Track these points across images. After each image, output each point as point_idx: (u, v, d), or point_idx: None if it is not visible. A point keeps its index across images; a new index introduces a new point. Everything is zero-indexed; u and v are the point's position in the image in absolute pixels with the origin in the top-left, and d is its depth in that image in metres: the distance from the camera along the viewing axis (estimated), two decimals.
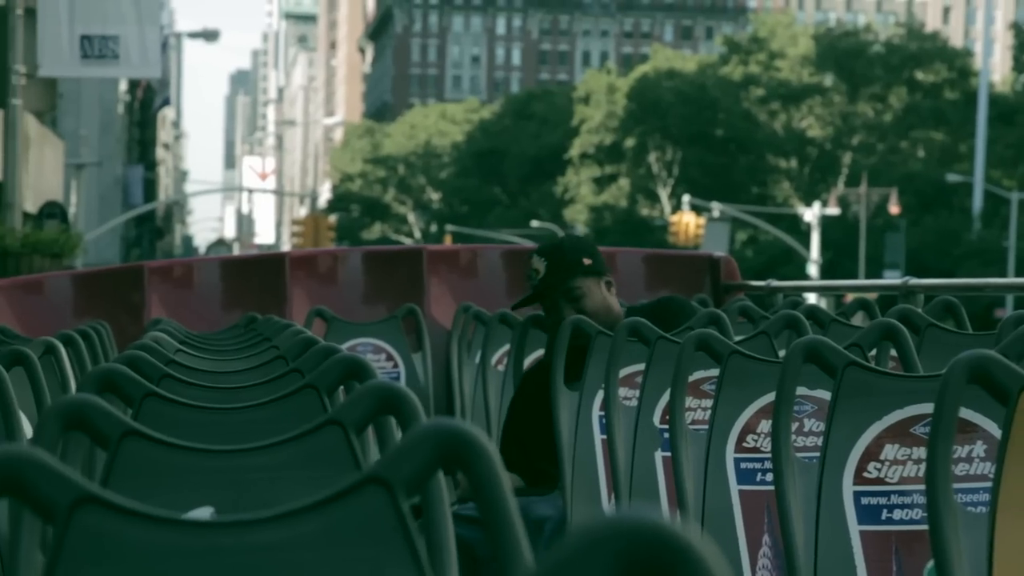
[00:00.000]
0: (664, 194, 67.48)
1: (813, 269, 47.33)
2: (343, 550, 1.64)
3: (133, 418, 2.64)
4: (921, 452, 2.58)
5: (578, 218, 69.35)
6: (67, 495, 1.60)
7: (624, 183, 69.08)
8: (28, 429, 3.52)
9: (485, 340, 5.88)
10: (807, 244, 50.55)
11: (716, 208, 49.97)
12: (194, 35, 35.94)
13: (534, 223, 66.03)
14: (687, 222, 45.69)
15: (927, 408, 2.39)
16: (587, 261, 4.69)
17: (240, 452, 2.23)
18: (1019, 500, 2.08)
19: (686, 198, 50.20)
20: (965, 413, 2.46)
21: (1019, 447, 2.09)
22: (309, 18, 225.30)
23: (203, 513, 2.19)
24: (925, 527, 2.19)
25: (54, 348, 4.21)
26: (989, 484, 2.15)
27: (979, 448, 2.51)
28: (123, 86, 58.34)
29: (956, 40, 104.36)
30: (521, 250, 7.99)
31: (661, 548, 0.88)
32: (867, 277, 48.52)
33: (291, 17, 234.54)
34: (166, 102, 43.93)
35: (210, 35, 34.56)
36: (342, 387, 2.98)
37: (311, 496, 1.67)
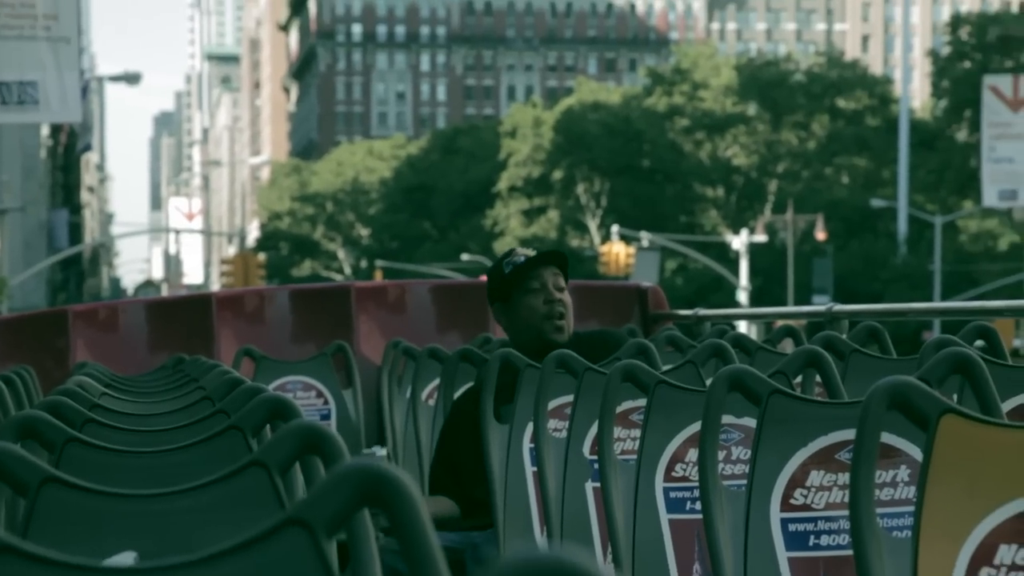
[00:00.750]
0: (593, 225, 67.76)
1: (743, 296, 47.65)
2: None
3: (54, 465, 2.60)
4: (846, 478, 2.60)
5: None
6: None
7: (553, 215, 69.30)
8: None
9: (415, 375, 5.87)
10: (736, 271, 50.90)
11: (645, 238, 50.21)
12: (116, 78, 35.74)
13: (464, 257, 66.08)
14: (617, 252, 45.88)
15: (851, 434, 2.41)
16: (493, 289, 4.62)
17: (163, 496, 2.21)
18: (941, 524, 2.09)
19: (615, 228, 50.43)
20: (888, 438, 2.48)
21: (940, 472, 2.11)
22: (232, 59, 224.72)
23: (125, 559, 2.16)
24: (851, 552, 2.20)
25: None
26: (912, 508, 2.16)
27: (903, 472, 2.52)
28: (45, 130, 57.91)
29: (876, 68, 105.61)
30: (449, 285, 7.99)
31: None
32: (796, 303, 48.89)
33: (213, 58, 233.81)
34: (88, 147, 43.65)
35: (132, 78, 34.38)
36: (268, 427, 2.96)
37: (233, 538, 1.65)
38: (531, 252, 4.66)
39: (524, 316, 4.65)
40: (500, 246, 69.73)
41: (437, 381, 5.58)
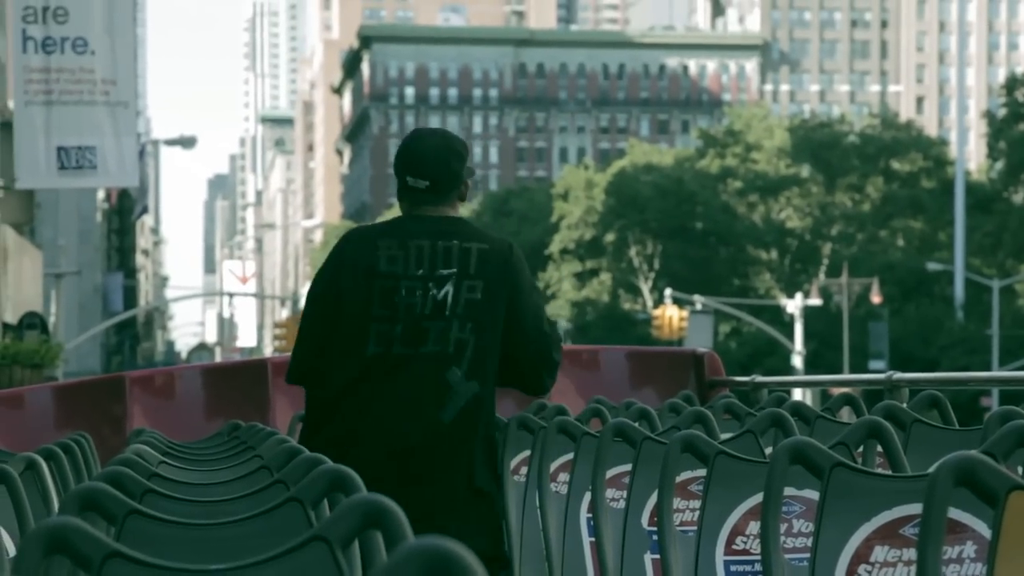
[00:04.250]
0: (646, 288, 67.68)
1: (797, 360, 47.38)
2: None
3: (116, 537, 2.61)
4: (911, 553, 2.56)
5: (560, 313, 69.45)
6: None
7: (605, 277, 69.29)
8: (11, 547, 3.49)
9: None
10: (790, 335, 50.66)
11: (698, 301, 50.10)
12: (171, 142, 36.11)
13: None
14: (670, 316, 45.77)
15: (916, 508, 2.38)
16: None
17: (226, 571, 2.21)
18: None
19: (668, 291, 50.35)
20: (955, 513, 2.45)
21: (1009, 548, 2.08)
22: (286, 121, 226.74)
23: None
24: None
25: (35, 464, 4.17)
26: None
27: (969, 548, 2.49)
28: (101, 194, 58.54)
29: (931, 129, 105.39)
30: None
31: None
32: (851, 367, 48.57)
33: (267, 121, 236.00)
34: (144, 211, 44.08)
35: (187, 142, 34.73)
36: (327, 499, 2.95)
37: None
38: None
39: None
40: (552, 309, 69.76)
41: (527, 452, 5.54)
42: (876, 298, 51.78)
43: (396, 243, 4.56)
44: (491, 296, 4.53)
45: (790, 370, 46.37)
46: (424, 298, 4.51)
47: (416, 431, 4.51)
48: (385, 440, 4.51)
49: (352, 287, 4.54)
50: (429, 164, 4.62)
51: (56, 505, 4.18)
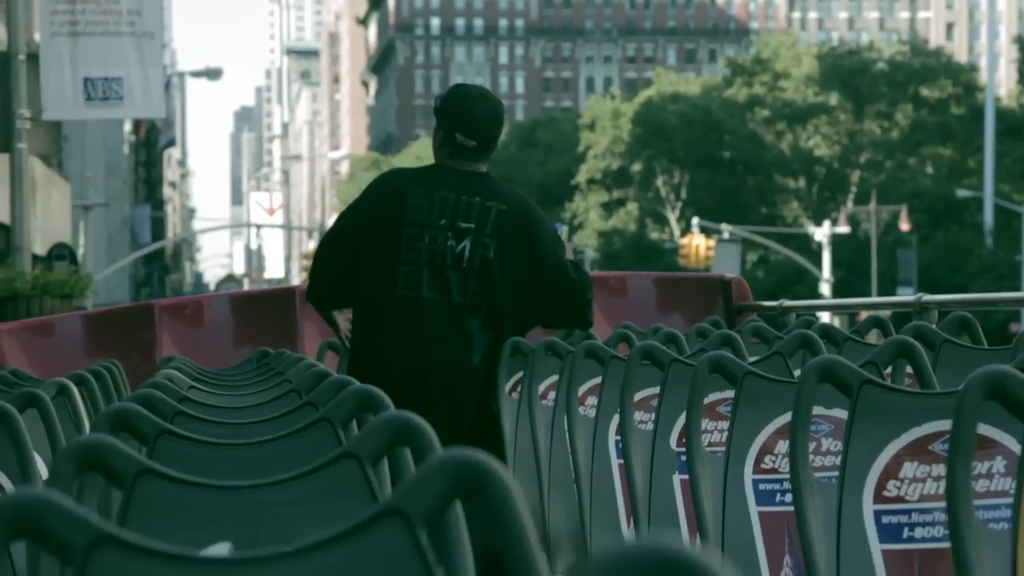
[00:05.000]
0: (673, 217, 67.50)
1: (825, 288, 47.26)
2: None
3: (148, 456, 2.63)
4: (940, 469, 2.56)
5: (588, 243, 69.38)
6: (84, 536, 1.58)
7: (632, 207, 69.11)
8: (43, 470, 3.52)
9: (499, 368, 5.86)
10: (818, 263, 50.51)
11: (726, 230, 49.96)
12: (197, 74, 36.06)
13: None
14: (697, 244, 45.68)
15: (945, 425, 2.38)
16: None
17: (256, 487, 2.22)
18: None
19: (695, 220, 50.21)
20: (983, 429, 2.45)
21: None
22: (311, 53, 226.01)
23: (220, 549, 2.18)
24: (947, 545, 2.17)
25: (67, 389, 4.20)
26: (1010, 500, 2.13)
27: (999, 464, 2.49)
28: (128, 126, 58.55)
29: (960, 55, 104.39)
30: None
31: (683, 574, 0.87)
32: (879, 294, 48.47)
33: (293, 53, 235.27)
34: (171, 143, 44.11)
35: (213, 73, 34.67)
36: (355, 419, 2.97)
37: (328, 530, 1.66)
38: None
39: None
40: (580, 239, 69.68)
41: (521, 374, 5.58)
42: (905, 225, 51.55)
43: (423, 192, 4.92)
44: (504, 256, 4.90)
45: (818, 298, 46.29)
46: (445, 247, 4.88)
47: (444, 365, 4.90)
48: (416, 369, 4.87)
49: (382, 229, 4.90)
50: (482, 127, 5.02)
51: (87, 429, 4.21)
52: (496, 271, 4.90)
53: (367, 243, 4.94)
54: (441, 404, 4.88)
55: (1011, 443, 2.46)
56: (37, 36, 14.78)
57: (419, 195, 4.92)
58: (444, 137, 5.04)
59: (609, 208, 69.95)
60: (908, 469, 2.62)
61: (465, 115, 5.02)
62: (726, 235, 49.95)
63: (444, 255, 4.90)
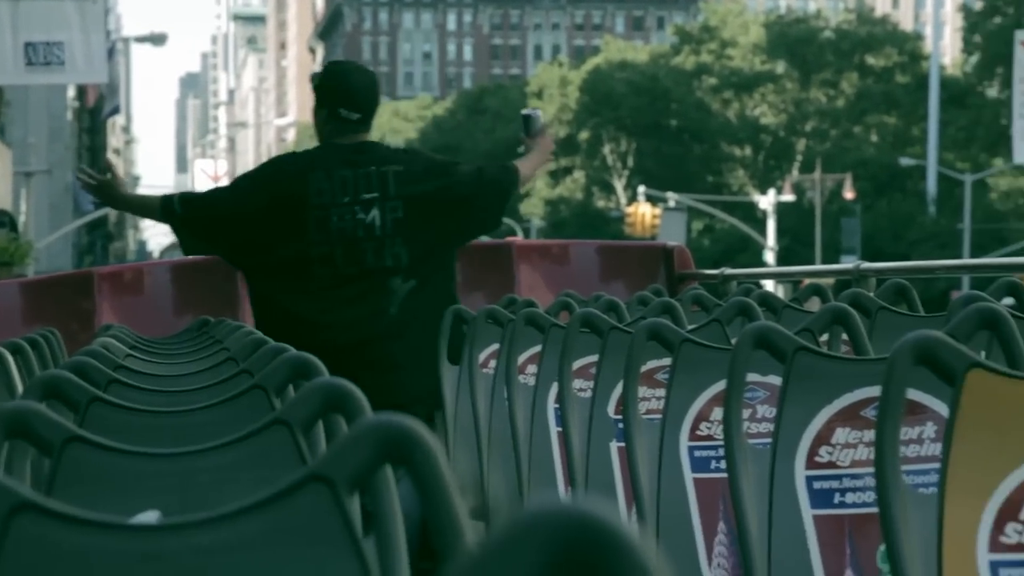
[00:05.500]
0: (619, 185, 67.62)
1: (769, 256, 47.53)
2: (287, 550, 1.62)
3: (79, 424, 2.61)
4: (872, 435, 2.58)
5: (534, 211, 69.40)
6: (3, 502, 1.57)
7: (579, 175, 69.18)
8: None
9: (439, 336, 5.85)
10: (763, 231, 50.76)
11: (672, 198, 50.10)
12: (141, 39, 35.76)
13: None
14: (643, 213, 45.79)
15: (877, 391, 2.39)
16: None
17: (185, 455, 2.21)
18: (966, 480, 2.08)
19: (641, 189, 50.31)
20: (914, 395, 2.46)
21: (966, 428, 2.10)
22: (258, 19, 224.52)
23: (149, 517, 2.16)
24: (877, 509, 2.19)
25: (1, 357, 4.16)
26: (939, 465, 2.15)
27: (929, 429, 2.51)
28: (71, 92, 57.99)
29: (906, 24, 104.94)
30: (474, 246, 7.96)
31: (592, 536, 0.87)
32: (824, 263, 48.74)
33: (239, 19, 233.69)
34: (116, 110, 43.69)
35: (157, 39, 34.38)
36: (292, 387, 2.95)
37: (254, 496, 1.65)
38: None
39: None
40: (526, 207, 69.72)
41: (496, 346, 5.56)
42: (849, 194, 51.86)
43: (324, 174, 5.15)
44: (412, 210, 5.15)
45: (763, 266, 46.51)
46: (353, 222, 5.11)
47: (367, 324, 5.12)
48: (343, 336, 5.11)
49: (287, 216, 5.14)
50: (363, 99, 5.25)
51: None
52: (408, 228, 5.16)
53: (272, 231, 5.19)
54: (371, 368, 5.05)
55: (941, 408, 2.48)
56: None
57: (320, 178, 5.14)
58: (328, 115, 5.27)
59: (556, 176, 69.97)
60: (840, 435, 2.64)
61: (346, 90, 5.25)
62: (672, 203, 50.09)
63: (355, 229, 5.13)
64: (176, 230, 5.52)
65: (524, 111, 5.87)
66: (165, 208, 5.46)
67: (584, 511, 0.89)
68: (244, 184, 5.39)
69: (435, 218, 5.24)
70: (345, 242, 5.14)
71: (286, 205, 5.16)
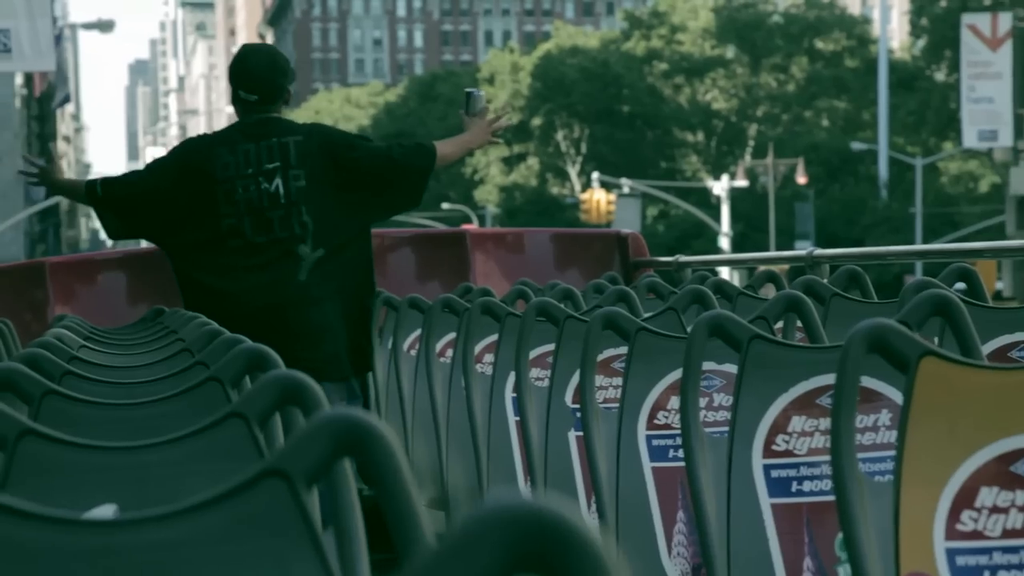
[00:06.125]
0: (573, 172, 67.67)
1: (724, 242, 47.68)
2: (244, 544, 1.62)
3: (32, 417, 2.59)
4: (828, 423, 2.59)
5: (488, 198, 69.36)
6: None
7: (533, 162, 69.17)
8: None
9: (396, 326, 5.85)
10: (718, 217, 50.93)
11: (626, 184, 50.19)
12: (88, 26, 35.49)
13: (445, 205, 65.98)
14: (598, 199, 45.85)
15: (832, 379, 2.40)
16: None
17: (141, 448, 2.20)
18: (922, 467, 2.09)
19: (595, 175, 50.35)
20: (869, 383, 2.48)
21: (920, 415, 2.11)
22: (206, 5, 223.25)
23: (106, 511, 2.15)
24: (835, 498, 2.20)
25: None
26: (894, 452, 2.16)
27: (884, 417, 2.52)
28: (19, 80, 57.49)
29: (854, 8, 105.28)
30: (428, 234, 7.96)
31: (550, 533, 0.87)
32: (778, 248, 48.96)
33: (188, 5, 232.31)
34: (67, 99, 43.30)
35: (105, 26, 34.13)
36: (248, 379, 2.94)
37: (210, 490, 1.64)
38: None
39: None
40: (480, 194, 69.66)
41: (419, 332, 5.57)
42: (801, 179, 52.08)
43: (227, 150, 5.38)
44: (315, 179, 5.33)
45: (717, 252, 46.68)
46: (259, 192, 5.32)
47: (278, 290, 5.33)
48: (254, 301, 5.33)
49: (196, 192, 5.36)
50: (258, 80, 5.47)
51: None
52: (311, 196, 5.34)
53: (185, 207, 5.41)
54: (283, 332, 5.22)
55: (896, 396, 2.49)
56: None
57: (223, 153, 5.37)
58: (233, 96, 5.56)
59: (510, 163, 69.95)
60: (796, 423, 2.65)
61: (242, 72, 5.49)
62: (626, 190, 50.18)
63: (260, 199, 5.33)
64: (99, 213, 5.69)
65: (468, 89, 5.96)
66: (89, 191, 5.65)
67: (541, 507, 0.89)
68: (157, 164, 5.60)
69: (339, 190, 5.41)
70: (252, 212, 5.33)
71: (195, 180, 5.37)
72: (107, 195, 5.59)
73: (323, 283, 5.39)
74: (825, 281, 4.35)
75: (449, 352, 5.04)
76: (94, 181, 5.69)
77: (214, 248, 5.39)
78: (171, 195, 5.43)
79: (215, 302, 5.28)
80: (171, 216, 5.47)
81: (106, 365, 3.65)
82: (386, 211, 5.68)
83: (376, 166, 5.42)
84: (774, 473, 2.67)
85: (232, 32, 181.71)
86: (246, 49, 5.68)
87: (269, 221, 5.33)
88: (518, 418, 4.10)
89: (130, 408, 2.75)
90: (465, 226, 8.16)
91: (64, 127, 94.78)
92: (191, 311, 5.18)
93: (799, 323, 3.48)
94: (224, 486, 1.60)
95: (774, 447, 2.67)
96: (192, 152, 5.48)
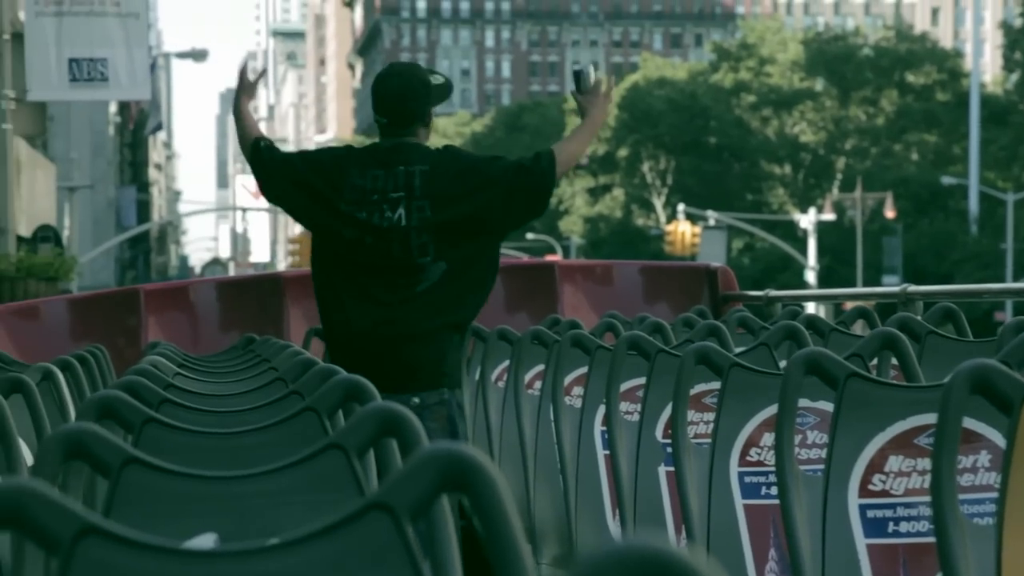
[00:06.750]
0: (659, 203, 67.52)
1: (810, 276, 47.32)
2: None
3: (133, 445, 2.62)
4: (926, 463, 2.57)
5: (573, 229, 69.36)
6: (70, 527, 1.58)
7: (618, 193, 69.12)
8: (28, 456, 3.51)
9: (484, 357, 5.87)
10: (804, 250, 50.58)
11: (711, 216, 50.00)
12: (182, 55, 35.92)
13: (529, 235, 66.07)
14: (683, 231, 45.70)
15: (930, 418, 2.38)
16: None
17: (241, 478, 2.22)
18: None
19: (681, 207, 50.21)
20: (969, 423, 2.45)
21: (1023, 456, 2.08)
22: (297, 35, 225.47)
23: (206, 540, 2.18)
24: (932, 539, 2.18)
25: (52, 374, 4.20)
26: (995, 494, 2.14)
27: (984, 458, 2.49)
28: (113, 108, 58.35)
29: (946, 41, 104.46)
30: (516, 265, 7.99)
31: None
32: (864, 282, 48.55)
33: (279, 34, 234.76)
34: (159, 127, 43.86)
35: (199, 55, 34.54)
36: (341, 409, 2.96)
37: (314, 522, 1.66)
38: (441, 78, 5.53)
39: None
40: (565, 225, 69.68)
41: (507, 363, 5.58)
42: (890, 213, 51.60)
43: (358, 172, 5.38)
44: (439, 210, 5.29)
45: (803, 286, 46.35)
46: (382, 218, 5.30)
47: (395, 314, 5.27)
48: (369, 326, 5.27)
49: (322, 205, 5.35)
50: (386, 104, 5.42)
51: (72, 415, 4.20)
52: (435, 226, 5.30)
53: (308, 216, 5.43)
54: (394, 359, 5.18)
55: (996, 437, 2.46)
56: (22, 15, 14.71)
57: (354, 174, 5.35)
58: (374, 118, 5.54)
59: (595, 194, 69.93)
60: (893, 463, 2.63)
61: (374, 94, 5.47)
62: (712, 222, 49.99)
63: (383, 224, 5.30)
64: (256, 170, 5.64)
65: (575, 66, 5.79)
66: (255, 145, 5.59)
67: (663, 552, 0.89)
68: (304, 158, 5.59)
69: (465, 215, 5.33)
70: (376, 236, 5.33)
71: (324, 192, 5.38)
72: (268, 156, 5.56)
73: (439, 311, 5.39)
74: (920, 318, 4.31)
75: (537, 384, 5.05)
76: (259, 140, 5.63)
77: (334, 267, 5.38)
78: (305, 192, 5.45)
79: (333, 319, 5.29)
80: (300, 213, 5.53)
81: (201, 393, 3.69)
82: (513, 224, 5.62)
83: (502, 187, 5.32)
84: (870, 513, 2.65)
85: (322, 62, 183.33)
86: (383, 71, 5.64)
87: (389, 245, 5.31)
88: (607, 451, 4.09)
89: (227, 437, 2.78)
90: (549, 257, 8.15)
91: (156, 154, 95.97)
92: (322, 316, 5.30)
93: (894, 361, 3.45)
94: (329, 518, 1.62)
95: (870, 487, 2.64)
96: (331, 163, 5.47)
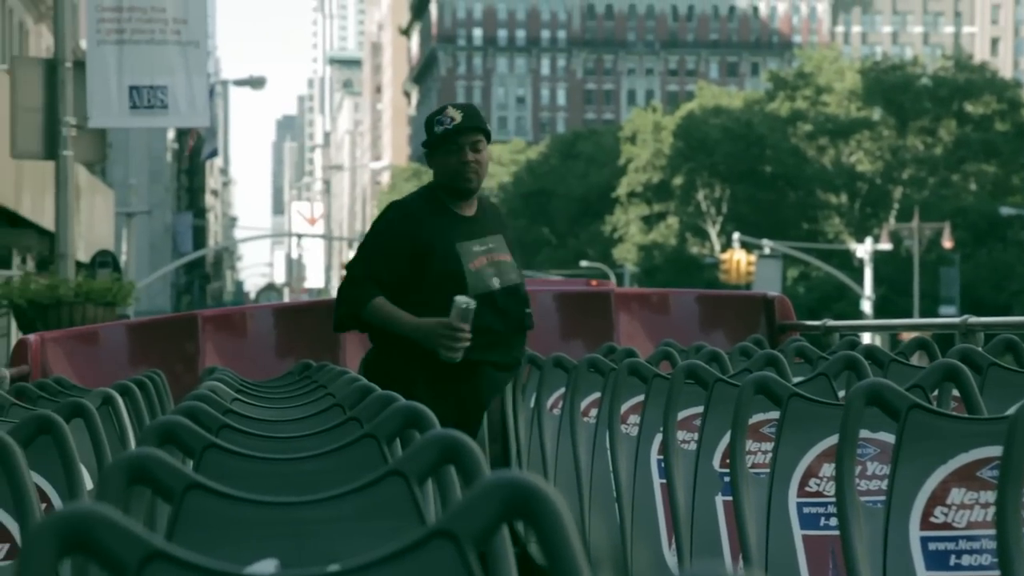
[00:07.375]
0: (713, 231, 67.35)
1: (867, 305, 47.04)
2: None
3: (194, 470, 2.64)
4: (989, 496, 2.55)
5: (627, 257, 69.28)
6: (136, 552, 1.59)
7: (673, 221, 68.99)
8: (88, 481, 3.54)
9: (540, 384, 5.86)
10: (860, 280, 50.29)
11: (767, 245, 49.82)
12: (240, 83, 36.20)
13: (583, 263, 66.03)
14: (738, 260, 45.55)
15: (994, 451, 2.37)
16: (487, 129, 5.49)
17: (302, 504, 2.22)
18: None
19: (736, 235, 50.05)
20: None
21: None
22: (353, 63, 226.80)
23: (267, 566, 2.18)
24: (995, 573, 2.16)
25: (111, 399, 4.23)
26: None
27: None
28: (171, 134, 58.85)
29: (1005, 71, 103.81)
30: (572, 292, 7.97)
31: None
32: (921, 313, 48.19)
33: (336, 62, 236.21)
34: (214, 153, 44.20)
35: (256, 82, 34.79)
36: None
37: (376, 549, 1.66)
38: (458, 116, 5.48)
39: (444, 167, 5.50)
40: (619, 252, 69.62)
41: (562, 390, 5.58)
42: (947, 243, 51.26)
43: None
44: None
45: (859, 315, 46.06)
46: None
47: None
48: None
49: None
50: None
51: (132, 439, 4.23)
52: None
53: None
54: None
55: None
56: (84, 44, 14.88)
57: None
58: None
59: (650, 222, 69.84)
60: (956, 495, 2.61)
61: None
62: (767, 250, 49.80)
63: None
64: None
65: (458, 298, 5.31)
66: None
67: None
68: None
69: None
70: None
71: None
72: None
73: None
74: (981, 350, 4.28)
75: (592, 412, 5.04)
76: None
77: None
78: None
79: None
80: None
81: (259, 419, 3.70)
82: None
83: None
84: (932, 546, 2.63)
85: (378, 89, 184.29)
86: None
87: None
88: (663, 480, 4.08)
89: (286, 463, 2.78)
90: (604, 282, 8.17)
91: (212, 180, 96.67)
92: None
93: (955, 391, 3.43)
94: (392, 545, 1.62)
95: (932, 519, 2.63)
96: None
